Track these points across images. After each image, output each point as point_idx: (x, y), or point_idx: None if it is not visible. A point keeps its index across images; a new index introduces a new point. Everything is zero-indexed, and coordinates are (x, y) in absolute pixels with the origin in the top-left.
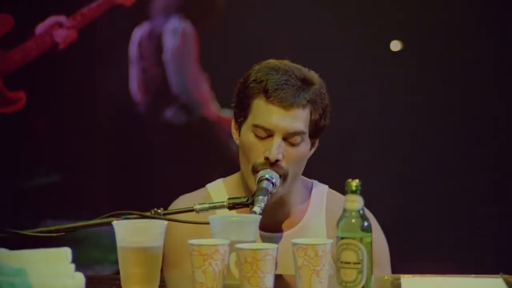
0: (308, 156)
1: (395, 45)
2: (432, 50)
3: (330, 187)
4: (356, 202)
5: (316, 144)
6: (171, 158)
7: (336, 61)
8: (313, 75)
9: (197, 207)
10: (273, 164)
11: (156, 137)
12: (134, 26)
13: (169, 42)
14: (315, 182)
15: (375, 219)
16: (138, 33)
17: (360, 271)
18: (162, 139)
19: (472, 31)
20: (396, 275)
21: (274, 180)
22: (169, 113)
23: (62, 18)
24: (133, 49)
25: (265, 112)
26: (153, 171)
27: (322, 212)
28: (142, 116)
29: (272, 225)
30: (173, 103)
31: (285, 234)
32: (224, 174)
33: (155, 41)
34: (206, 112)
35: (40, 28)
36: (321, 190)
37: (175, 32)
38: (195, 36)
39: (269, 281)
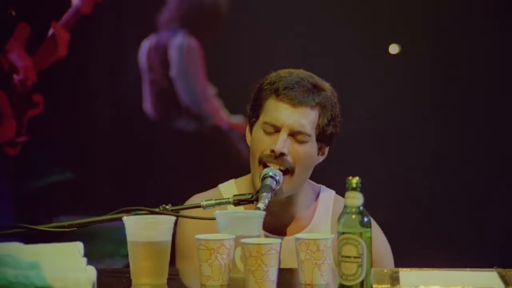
0: (316, 162)
1: (394, 49)
2: (430, 54)
3: (328, 185)
4: (356, 198)
5: (326, 152)
6: (181, 158)
7: (336, 64)
8: (325, 84)
9: (204, 203)
10: (278, 156)
11: (168, 142)
12: (142, 37)
13: (175, 57)
14: (323, 187)
15: (374, 221)
16: (146, 44)
17: (360, 265)
18: (173, 144)
19: (470, 34)
20: (394, 269)
21: (277, 178)
22: (180, 122)
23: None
24: (142, 60)
25: (275, 110)
26: (164, 170)
27: (329, 218)
28: (154, 123)
29: (279, 227)
30: (184, 114)
31: (290, 238)
32: (235, 176)
33: (162, 54)
34: (217, 121)
35: (52, 33)
36: (328, 195)
37: (180, 47)
38: (199, 48)
39: (273, 274)
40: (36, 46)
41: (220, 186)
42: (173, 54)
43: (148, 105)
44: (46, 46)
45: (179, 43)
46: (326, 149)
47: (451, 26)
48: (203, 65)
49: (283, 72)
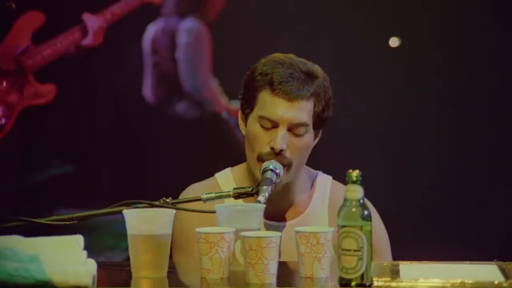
0: (312, 147)
1: (394, 42)
2: (430, 47)
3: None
4: (356, 192)
5: (319, 135)
6: (181, 150)
7: (336, 57)
8: (317, 69)
9: (204, 196)
10: (277, 154)
11: (167, 130)
12: (148, 21)
13: (183, 40)
14: (320, 172)
15: (375, 209)
16: (153, 28)
17: (360, 258)
18: (172, 131)
19: (471, 27)
20: (394, 262)
21: (278, 171)
22: (181, 108)
23: (90, 16)
24: (146, 44)
25: (271, 104)
26: (163, 162)
27: (326, 203)
28: (153, 109)
29: (277, 214)
30: (184, 99)
31: (289, 223)
32: (233, 164)
33: (169, 37)
34: (216, 107)
35: (68, 24)
36: (325, 180)
37: (189, 31)
38: (207, 34)
39: (273, 267)
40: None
41: (217, 175)
42: (181, 38)
43: (148, 91)
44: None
45: (188, 27)
46: (320, 132)
47: (451, 19)
48: (209, 51)
49: (274, 59)
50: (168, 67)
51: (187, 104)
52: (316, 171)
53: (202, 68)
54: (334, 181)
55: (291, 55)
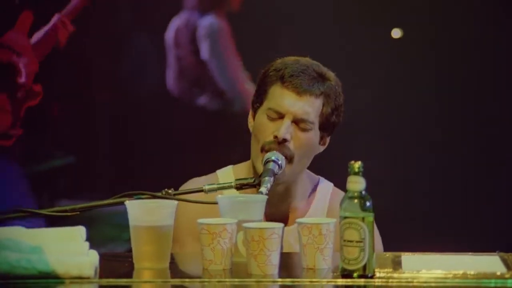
0: (316, 151)
1: (396, 33)
2: (433, 38)
3: (331, 171)
4: (358, 183)
5: (327, 142)
6: (192, 142)
7: (338, 48)
8: (331, 74)
9: (206, 187)
10: (280, 143)
11: (171, 123)
12: (171, 15)
13: (205, 38)
14: (322, 178)
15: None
16: (176, 21)
17: (362, 249)
18: (176, 125)
19: (474, 18)
20: (397, 253)
21: (280, 162)
22: (203, 100)
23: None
24: (169, 37)
25: (279, 96)
26: (165, 154)
27: (325, 210)
28: (176, 100)
29: (276, 218)
30: (208, 91)
31: (287, 228)
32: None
33: (191, 32)
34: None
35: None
36: (326, 187)
37: (210, 27)
38: (228, 29)
39: (275, 258)
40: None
41: (218, 171)
42: (203, 35)
43: (170, 82)
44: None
45: (209, 24)
46: (328, 139)
47: (454, 10)
48: (233, 46)
49: (289, 59)
50: (189, 60)
51: (209, 97)
52: (318, 177)
53: (231, 64)
54: (335, 188)
55: (308, 58)
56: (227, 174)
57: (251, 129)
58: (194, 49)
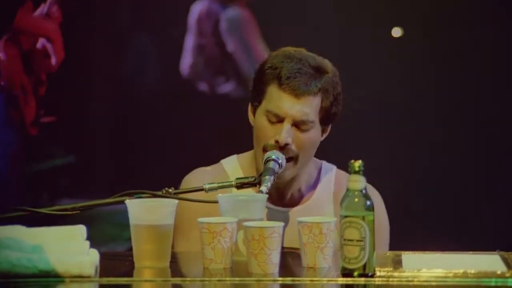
0: (318, 142)
1: (396, 32)
2: (433, 37)
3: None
4: (359, 182)
5: (328, 130)
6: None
7: (339, 47)
8: (327, 64)
9: (207, 186)
10: (282, 147)
11: (169, 120)
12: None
13: (229, 30)
14: (324, 162)
15: (381, 199)
16: (197, 8)
17: (363, 248)
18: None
19: (474, 17)
20: (397, 252)
21: (280, 161)
22: (227, 88)
23: None
24: (191, 23)
25: (277, 99)
26: (167, 153)
27: (330, 192)
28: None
29: (283, 200)
30: (232, 79)
31: (294, 209)
32: None
33: (213, 22)
34: None
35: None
36: (329, 170)
37: (234, 19)
38: (252, 18)
39: (275, 257)
40: None
41: (223, 161)
42: (227, 27)
43: (185, 68)
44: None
45: (232, 16)
46: (329, 128)
47: (454, 9)
48: (257, 34)
49: (284, 53)
50: (212, 50)
51: (233, 85)
52: (321, 161)
53: (256, 52)
54: (338, 170)
55: (302, 49)
56: (232, 164)
57: (252, 123)
58: (217, 40)
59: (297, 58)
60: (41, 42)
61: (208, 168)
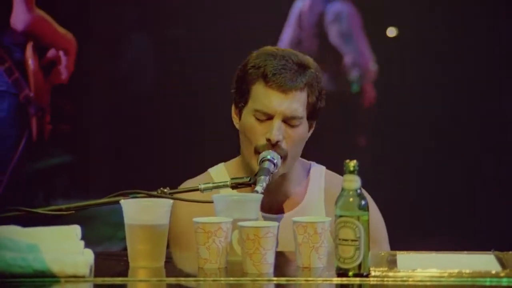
0: (306, 138)
1: (391, 32)
2: (428, 36)
3: (327, 167)
4: (353, 181)
5: (313, 126)
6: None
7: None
8: (309, 59)
9: (202, 186)
10: (274, 145)
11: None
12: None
13: (335, 22)
14: (313, 163)
15: (372, 199)
16: (298, 4)
17: (358, 248)
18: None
19: (469, 16)
20: (392, 252)
21: (275, 161)
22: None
23: None
24: (292, 17)
25: (265, 97)
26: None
27: (321, 193)
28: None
29: (274, 207)
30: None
31: (286, 215)
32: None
33: (317, 17)
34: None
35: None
36: (319, 171)
37: (340, 13)
38: (356, 14)
39: (271, 257)
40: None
41: (210, 170)
42: (332, 20)
43: None
44: None
45: (337, 10)
46: (314, 123)
47: (449, 8)
48: (363, 30)
49: (266, 52)
50: (311, 43)
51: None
52: (310, 162)
53: (360, 45)
54: (327, 170)
55: (282, 48)
56: (220, 172)
57: (236, 126)
58: (318, 32)
59: (280, 55)
60: (57, 53)
61: (196, 178)
